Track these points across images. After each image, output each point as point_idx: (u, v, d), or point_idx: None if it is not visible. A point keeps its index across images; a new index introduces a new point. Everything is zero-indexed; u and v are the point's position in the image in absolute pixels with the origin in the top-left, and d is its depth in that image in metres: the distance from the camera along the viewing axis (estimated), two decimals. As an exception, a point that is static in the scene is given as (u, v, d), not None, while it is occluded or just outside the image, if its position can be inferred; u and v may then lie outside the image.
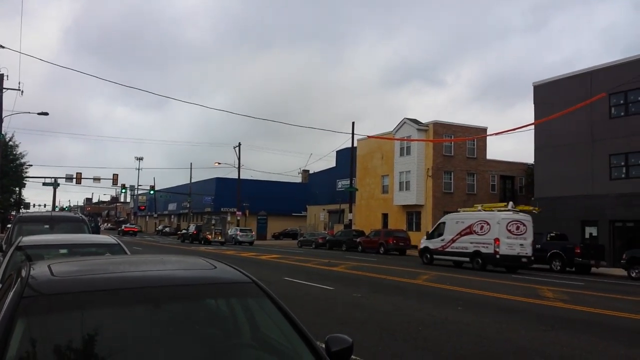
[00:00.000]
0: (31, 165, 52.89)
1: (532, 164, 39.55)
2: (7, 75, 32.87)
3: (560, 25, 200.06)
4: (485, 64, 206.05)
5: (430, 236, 29.35)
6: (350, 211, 47.81)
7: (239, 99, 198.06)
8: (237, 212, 60.27)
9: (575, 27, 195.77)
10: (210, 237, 51.51)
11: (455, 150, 45.75)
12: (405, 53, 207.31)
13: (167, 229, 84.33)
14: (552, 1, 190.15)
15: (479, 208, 27.59)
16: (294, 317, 3.07)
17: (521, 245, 24.82)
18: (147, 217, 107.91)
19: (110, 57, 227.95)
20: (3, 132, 35.46)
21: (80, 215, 14.41)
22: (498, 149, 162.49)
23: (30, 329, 2.60)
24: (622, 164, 30.85)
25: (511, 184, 49.16)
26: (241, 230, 52.39)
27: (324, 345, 3.06)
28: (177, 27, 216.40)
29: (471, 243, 26.11)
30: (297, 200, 72.01)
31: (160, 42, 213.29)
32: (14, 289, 2.81)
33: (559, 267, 26.13)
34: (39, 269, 3.18)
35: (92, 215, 53.21)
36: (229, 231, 54.31)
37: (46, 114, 38.25)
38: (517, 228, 25.05)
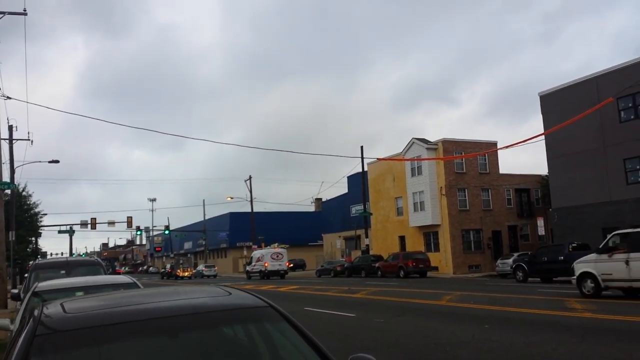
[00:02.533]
0: (46, 214, 53.44)
1: (546, 175, 39.18)
2: (17, 126, 33.37)
3: (571, 34, 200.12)
4: (498, 79, 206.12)
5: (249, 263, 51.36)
6: (367, 236, 47.47)
7: (254, 131, 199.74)
8: (253, 246, 60.10)
9: (586, 34, 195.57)
10: (180, 273, 65.45)
11: (467, 166, 45.47)
12: (417, 74, 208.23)
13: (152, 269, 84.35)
14: (562, 11, 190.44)
15: (274, 248, 50.46)
16: (314, 339, 2.97)
17: (279, 263, 47.18)
18: (164, 257, 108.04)
19: (125, 100, 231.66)
20: (16, 183, 35.86)
21: (96, 258, 14.39)
22: (515, 163, 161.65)
23: None
24: (638, 167, 30.44)
25: (527, 196, 48.64)
26: (206, 267, 64.53)
27: None
28: (191, 65, 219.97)
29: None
30: (312, 230, 71.72)
31: (175, 81, 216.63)
32: (27, 328, 2.77)
33: (583, 277, 25.53)
34: (52, 308, 3.14)
35: (109, 259, 54.08)
36: (197, 268, 68.20)
37: (57, 161, 38.68)
38: (277, 256, 47.70)
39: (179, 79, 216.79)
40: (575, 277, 18.90)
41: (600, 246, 18.91)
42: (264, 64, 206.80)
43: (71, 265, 12.34)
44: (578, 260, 19.45)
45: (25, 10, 23.09)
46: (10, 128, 35.38)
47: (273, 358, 3.05)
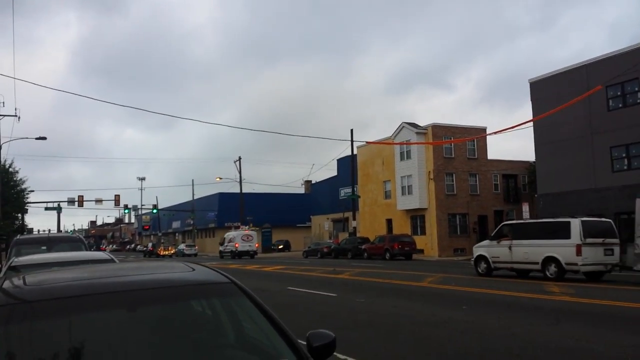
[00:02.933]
0: (32, 191, 53.01)
1: (534, 162, 39.41)
2: (4, 102, 32.93)
3: (567, 21, 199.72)
4: (493, 65, 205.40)
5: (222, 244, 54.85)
6: (354, 219, 47.65)
7: (247, 112, 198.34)
8: (241, 226, 60.16)
9: (582, 22, 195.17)
10: (161, 252, 68.91)
11: (456, 151, 45.63)
12: (412, 59, 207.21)
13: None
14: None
15: (245, 230, 53.63)
16: (274, 315, 3.01)
17: (248, 244, 50.24)
18: (152, 236, 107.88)
19: (118, 79, 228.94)
20: (2, 159, 35.54)
21: (78, 235, 14.35)
22: (505, 150, 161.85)
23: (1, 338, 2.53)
24: (624, 155, 30.67)
25: (514, 182, 48.99)
26: (187, 246, 67.24)
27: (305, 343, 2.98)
28: (184, 45, 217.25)
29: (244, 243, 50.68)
30: (301, 211, 71.85)
31: (168, 61, 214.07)
32: None
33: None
34: (15, 281, 3.14)
35: (96, 237, 54.47)
36: (178, 247, 70.66)
37: (44, 138, 38.36)
38: (247, 237, 50.98)
39: (172, 58, 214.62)
40: (473, 258, 22.27)
41: (492, 234, 22.24)
42: (258, 45, 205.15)
43: (52, 241, 12.34)
44: (476, 245, 22.82)
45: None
46: (-3, 103, 35.02)
47: (232, 333, 3.08)
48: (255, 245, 51.34)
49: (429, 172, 44.31)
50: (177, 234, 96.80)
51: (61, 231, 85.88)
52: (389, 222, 48.92)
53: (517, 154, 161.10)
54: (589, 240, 18.25)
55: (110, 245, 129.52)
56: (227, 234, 55.42)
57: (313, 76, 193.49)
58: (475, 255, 22.17)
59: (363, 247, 40.85)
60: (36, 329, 2.60)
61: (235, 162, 62.40)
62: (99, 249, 36.21)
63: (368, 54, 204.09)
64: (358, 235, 46.88)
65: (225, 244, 52.81)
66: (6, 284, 3.02)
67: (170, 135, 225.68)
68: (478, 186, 46.47)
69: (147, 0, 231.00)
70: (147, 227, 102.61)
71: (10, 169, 45.91)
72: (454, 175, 45.17)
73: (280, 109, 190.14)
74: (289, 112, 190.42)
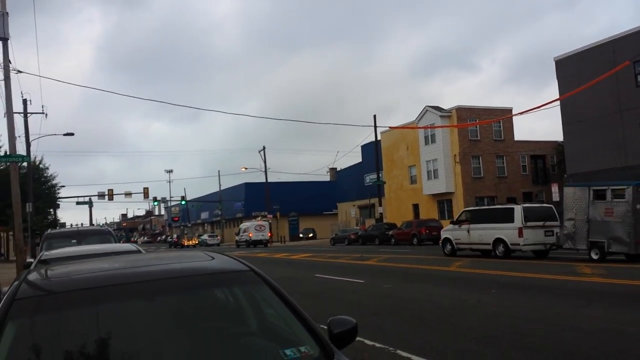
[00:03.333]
0: (63, 187, 54.16)
1: (562, 142, 38.64)
2: (31, 100, 33.56)
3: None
4: (518, 45, 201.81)
5: (237, 234, 57.90)
6: (380, 205, 47.49)
7: (271, 102, 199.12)
8: (268, 215, 60.52)
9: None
10: (185, 242, 72.45)
11: (482, 133, 45.00)
12: (436, 41, 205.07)
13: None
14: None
15: (258, 220, 56.37)
16: (294, 302, 3.00)
17: (262, 234, 53.32)
18: (182, 227, 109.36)
19: (143, 72, 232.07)
20: (32, 156, 36.28)
21: (107, 227, 14.62)
22: (532, 130, 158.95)
23: (23, 330, 2.59)
24: (654, 131, 29.88)
25: (542, 163, 48.15)
26: (209, 236, 72.65)
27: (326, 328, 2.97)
28: (208, 37, 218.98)
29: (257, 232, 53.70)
30: (327, 199, 71.91)
31: (192, 53, 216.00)
32: (8, 292, 2.81)
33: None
34: (37, 273, 3.21)
35: (125, 230, 55.77)
36: (201, 236, 75.15)
37: (72, 134, 39.00)
38: (260, 227, 53.85)
39: (196, 50, 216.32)
40: (441, 240, 25.29)
41: (455, 219, 25.42)
42: (280, 34, 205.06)
43: (82, 235, 12.59)
44: (443, 229, 26.18)
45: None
46: (25, 102, 35.63)
47: (252, 320, 3.09)
48: (267, 234, 54.29)
49: (455, 155, 43.83)
50: (205, 225, 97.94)
51: (93, 225, 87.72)
52: (416, 207, 48.64)
53: (545, 134, 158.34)
54: (530, 223, 20.93)
55: (142, 237, 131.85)
56: (242, 224, 59.14)
57: (337, 63, 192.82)
58: (442, 238, 25.18)
59: (390, 233, 40.71)
60: (57, 320, 2.65)
61: (259, 151, 62.70)
62: (128, 241, 37.01)
63: (392, 38, 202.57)
64: (385, 221, 46.75)
65: (241, 234, 56.12)
66: (30, 277, 3.09)
67: (197, 126, 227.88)
68: (505, 168, 45.82)
69: None
70: (177, 218, 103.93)
71: (41, 166, 46.93)
72: (480, 157, 44.60)
73: (305, 97, 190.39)
74: (313, 100, 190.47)
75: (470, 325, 8.41)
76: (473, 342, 7.35)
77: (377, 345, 7.33)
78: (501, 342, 7.28)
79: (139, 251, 7.64)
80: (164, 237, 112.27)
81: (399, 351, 6.98)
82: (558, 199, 35.82)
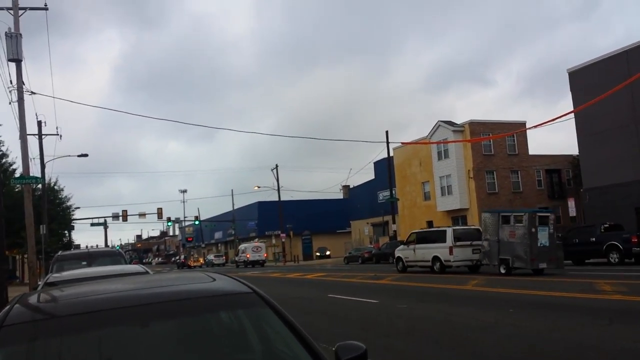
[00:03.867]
0: (78, 208, 54.48)
1: (578, 155, 38.15)
2: (45, 122, 33.85)
3: (608, 8, 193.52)
4: (533, 58, 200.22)
5: (236, 254, 63.85)
6: (394, 222, 47.12)
7: (286, 119, 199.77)
8: (281, 235, 60.30)
9: (624, 7, 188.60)
10: (191, 263, 75.48)
11: (495, 148, 44.62)
12: (450, 55, 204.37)
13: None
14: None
15: (255, 242, 60.43)
16: (298, 327, 2.81)
17: (258, 254, 57.32)
18: (196, 248, 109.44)
19: (160, 92, 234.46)
20: (47, 177, 36.53)
21: (117, 249, 14.54)
22: (548, 144, 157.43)
23: (10, 358, 2.45)
24: (673, 144, 29.38)
25: (558, 177, 47.55)
26: (215, 256, 76.35)
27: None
28: (223, 55, 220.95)
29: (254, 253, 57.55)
30: (341, 217, 71.59)
31: (208, 71, 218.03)
32: None
33: (617, 259, 24.80)
34: (31, 297, 3.09)
35: (137, 251, 56.10)
36: (207, 257, 79.45)
37: (86, 155, 39.28)
38: (257, 248, 57.91)
39: (212, 69, 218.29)
40: (394, 259, 29.20)
41: (405, 240, 29.48)
42: (294, 51, 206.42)
43: (92, 257, 12.50)
44: (397, 249, 29.34)
45: (46, 6, 23.37)
46: (39, 124, 36.02)
47: (253, 345, 2.92)
48: (263, 255, 58.67)
49: (469, 170, 43.47)
50: (219, 244, 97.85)
51: (108, 246, 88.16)
52: (430, 223, 48.14)
53: (562, 147, 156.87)
54: (459, 243, 24.60)
55: (156, 258, 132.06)
56: (241, 245, 63.11)
57: (350, 79, 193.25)
58: (396, 256, 28.85)
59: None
60: (46, 347, 2.52)
61: (272, 170, 62.71)
62: (140, 262, 37.21)
63: (405, 52, 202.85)
64: (399, 238, 46.30)
65: (239, 255, 60.67)
66: (21, 301, 2.97)
67: (212, 146, 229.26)
68: (520, 183, 45.32)
69: (186, 13, 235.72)
70: (191, 238, 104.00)
71: (56, 187, 47.29)
72: (494, 172, 44.18)
73: (319, 114, 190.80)
74: (327, 116, 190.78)
75: (487, 346, 8.12)
76: (491, 365, 7.07)
77: (391, 368, 7.08)
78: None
79: (146, 272, 7.50)
80: (177, 257, 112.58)
81: (413, 375, 6.72)
82: (575, 214, 35.35)
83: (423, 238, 26.94)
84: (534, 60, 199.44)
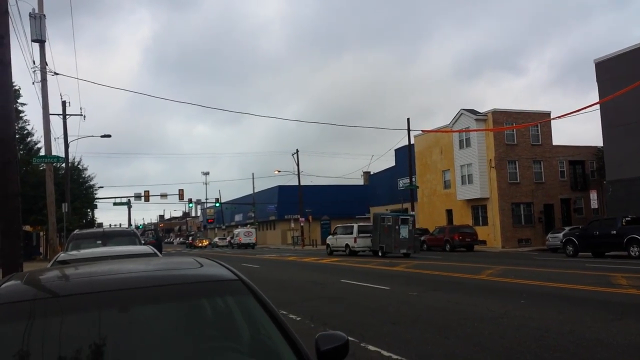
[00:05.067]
0: (102, 187, 55.27)
1: (602, 147, 37.39)
2: (69, 102, 34.26)
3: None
4: (566, 47, 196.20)
5: (231, 237, 72.61)
6: (413, 209, 46.87)
7: (313, 104, 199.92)
8: (300, 219, 60.50)
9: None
10: (197, 244, 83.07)
11: (518, 138, 43.94)
12: (482, 42, 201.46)
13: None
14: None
15: (247, 227, 70.72)
16: (279, 316, 2.80)
17: (249, 238, 66.74)
18: (216, 229, 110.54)
19: (189, 74, 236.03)
20: (71, 157, 37.06)
21: (132, 229, 14.72)
22: (573, 134, 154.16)
23: None
24: (701, 137, 28.61)
25: (581, 168, 46.72)
26: (219, 238, 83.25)
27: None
28: (253, 39, 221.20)
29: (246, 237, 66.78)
30: (360, 203, 71.51)
31: (238, 55, 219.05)
32: None
33: (637, 253, 24.39)
34: (18, 279, 3.11)
35: (155, 229, 56.72)
36: (213, 239, 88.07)
37: (109, 136, 39.80)
38: (248, 233, 67.69)
39: (241, 52, 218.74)
40: (326, 246, 38.76)
41: (332, 231, 39.27)
42: (324, 36, 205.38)
43: (107, 236, 12.68)
44: (328, 237, 39.11)
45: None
46: (64, 104, 36.56)
47: (231, 334, 2.91)
48: (254, 239, 68.58)
49: (490, 160, 42.96)
50: (239, 227, 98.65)
51: (131, 225, 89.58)
52: (449, 212, 47.88)
53: (589, 138, 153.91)
54: (361, 235, 34.38)
55: (178, 239, 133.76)
56: (235, 230, 74.65)
57: (379, 65, 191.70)
58: (327, 243, 38.43)
59: (422, 238, 40.14)
60: (24, 329, 2.52)
61: (293, 154, 62.76)
62: (158, 241, 37.91)
63: (436, 39, 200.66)
64: (417, 226, 46.14)
65: (234, 238, 70.71)
66: (8, 283, 2.99)
67: (239, 129, 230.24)
68: (543, 173, 44.65)
69: None
70: (212, 220, 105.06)
71: (79, 166, 48.02)
72: (517, 162, 43.58)
73: (345, 99, 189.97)
74: (354, 102, 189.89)
75: (496, 337, 8.06)
76: (498, 356, 7.01)
77: (394, 356, 7.06)
78: (526, 356, 6.93)
79: (154, 254, 7.58)
80: (187, 238, 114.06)
81: (415, 363, 6.71)
82: (597, 206, 34.77)
83: (342, 230, 36.77)
84: (567, 50, 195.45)
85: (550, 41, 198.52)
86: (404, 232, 31.36)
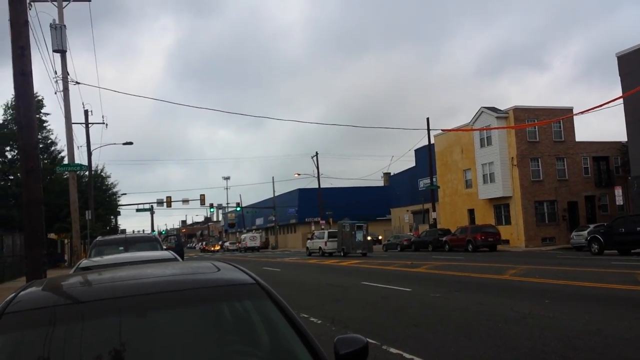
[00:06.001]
0: (124, 194, 55.96)
1: (626, 142, 36.68)
2: (91, 111, 34.78)
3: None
4: (592, 42, 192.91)
5: (240, 242, 79.00)
6: (434, 210, 46.58)
7: (334, 106, 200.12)
8: (321, 222, 60.49)
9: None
10: (209, 248, 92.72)
11: (541, 135, 43.31)
12: (505, 40, 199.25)
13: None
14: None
15: (252, 233, 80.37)
16: (297, 320, 2.77)
17: (254, 242, 74.29)
18: (237, 233, 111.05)
19: (212, 80, 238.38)
20: (95, 165, 37.55)
21: (154, 235, 14.85)
22: (597, 130, 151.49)
23: (7, 346, 2.48)
24: None
25: (606, 165, 45.86)
26: (230, 243, 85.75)
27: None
28: (275, 42, 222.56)
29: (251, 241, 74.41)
30: (380, 204, 71.24)
31: (260, 59, 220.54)
32: (0, 306, 2.72)
33: (665, 250, 23.89)
34: (37, 286, 3.12)
35: (177, 234, 57.43)
36: (224, 243, 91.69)
37: (131, 143, 40.31)
38: (253, 237, 75.92)
39: (264, 57, 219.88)
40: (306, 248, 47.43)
41: (311, 236, 46.99)
42: (346, 37, 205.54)
43: (129, 242, 12.80)
44: (307, 241, 46.82)
45: (89, -3, 23.92)
46: (86, 113, 37.10)
47: (248, 338, 2.89)
48: (258, 243, 75.34)
49: (512, 158, 42.44)
50: (260, 230, 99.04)
51: (154, 231, 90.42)
52: (471, 212, 47.41)
53: (614, 133, 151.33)
54: (330, 239, 41.63)
55: (200, 243, 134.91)
56: (242, 235, 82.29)
57: (400, 65, 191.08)
58: (306, 246, 47.55)
59: (444, 239, 39.84)
60: (44, 336, 2.52)
61: (312, 157, 62.84)
62: (180, 246, 38.46)
63: (458, 38, 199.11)
64: (439, 226, 45.82)
65: (242, 242, 77.26)
66: (28, 289, 3.00)
67: (261, 133, 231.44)
68: (566, 171, 43.93)
69: (242, 1, 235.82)
70: (233, 224, 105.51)
71: (102, 174, 48.70)
72: (539, 160, 42.97)
73: (367, 101, 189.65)
74: (376, 103, 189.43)
75: (521, 338, 7.93)
76: (523, 357, 6.89)
77: (416, 359, 6.99)
78: (552, 356, 6.80)
79: (175, 259, 7.62)
80: (220, 242, 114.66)
81: (438, 366, 6.63)
82: (622, 203, 34.12)
83: (316, 236, 45.27)
84: (592, 44, 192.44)
85: (575, 36, 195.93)
86: (359, 236, 38.65)
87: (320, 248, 42.46)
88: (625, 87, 31.43)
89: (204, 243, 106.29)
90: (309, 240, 46.51)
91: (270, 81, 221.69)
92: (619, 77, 32.99)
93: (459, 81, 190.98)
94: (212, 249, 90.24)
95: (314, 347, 2.61)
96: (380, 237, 66.16)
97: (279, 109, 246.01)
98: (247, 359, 2.76)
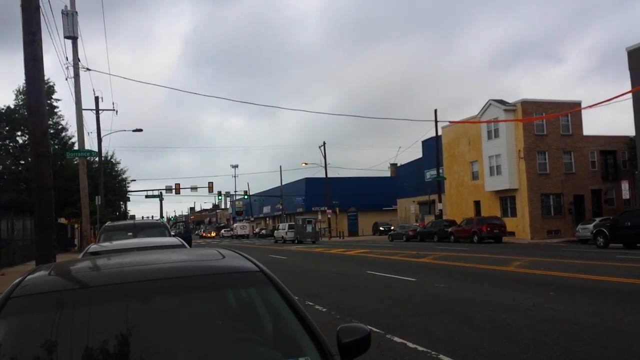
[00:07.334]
0: (134, 180, 56.25)
1: (634, 136, 36.45)
2: (102, 97, 34.85)
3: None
4: (606, 35, 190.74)
5: (232, 230, 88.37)
6: (440, 201, 46.57)
7: (346, 96, 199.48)
8: (327, 211, 60.63)
9: None
10: (207, 234, 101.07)
11: (548, 128, 43.12)
12: (520, 33, 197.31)
13: (263, 231, 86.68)
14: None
15: (242, 222, 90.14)
16: (300, 308, 2.80)
17: (243, 231, 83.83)
18: (244, 220, 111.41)
19: (226, 68, 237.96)
20: (105, 151, 37.70)
21: (162, 221, 14.98)
22: (606, 124, 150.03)
23: (13, 329, 2.53)
24: None
25: (613, 159, 45.64)
26: (225, 230, 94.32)
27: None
28: (289, 32, 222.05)
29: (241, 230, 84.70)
30: (387, 194, 71.23)
31: (273, 48, 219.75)
32: (6, 290, 2.76)
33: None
34: (44, 270, 3.14)
35: (185, 221, 57.21)
36: (220, 231, 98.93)
37: (140, 130, 40.40)
38: (243, 227, 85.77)
39: (278, 45, 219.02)
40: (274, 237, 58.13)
41: (276, 227, 62.44)
42: (360, 27, 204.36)
43: (138, 228, 12.94)
44: (275, 231, 59.30)
45: (98, -16, 23.93)
46: (97, 99, 37.18)
47: (252, 325, 2.94)
48: (247, 231, 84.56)
49: (519, 150, 42.31)
50: (267, 219, 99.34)
51: (162, 217, 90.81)
52: (477, 204, 47.39)
53: (623, 127, 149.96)
54: (290, 230, 52.33)
55: (198, 230, 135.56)
56: (234, 224, 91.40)
57: (414, 56, 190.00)
58: (274, 235, 57.26)
59: (450, 230, 39.88)
60: (49, 320, 2.55)
61: (320, 147, 62.85)
62: (187, 233, 38.56)
63: (473, 29, 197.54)
64: (444, 217, 45.83)
65: (233, 230, 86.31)
66: (35, 274, 3.02)
67: (272, 121, 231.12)
68: (573, 164, 43.76)
69: None
70: (241, 212, 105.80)
71: (112, 160, 48.95)
72: (546, 153, 42.81)
73: (379, 91, 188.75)
74: (388, 94, 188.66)
75: (524, 329, 8.02)
76: (526, 347, 6.98)
77: (420, 348, 7.08)
78: (555, 348, 6.89)
79: (182, 245, 7.71)
80: (228, 230, 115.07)
81: (441, 356, 6.71)
82: (628, 197, 34.00)
83: (280, 227, 55.57)
84: (607, 37, 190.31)
85: (590, 29, 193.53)
86: (309, 228, 51.16)
87: (282, 237, 53.16)
88: (634, 82, 31.21)
89: (202, 230, 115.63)
90: (276, 230, 58.04)
91: (284, 70, 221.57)
92: (629, 71, 32.72)
93: (471, 73, 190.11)
94: (210, 235, 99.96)
95: (317, 335, 2.63)
96: (392, 227, 66.09)
97: (290, 98, 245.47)
98: (250, 346, 2.80)
